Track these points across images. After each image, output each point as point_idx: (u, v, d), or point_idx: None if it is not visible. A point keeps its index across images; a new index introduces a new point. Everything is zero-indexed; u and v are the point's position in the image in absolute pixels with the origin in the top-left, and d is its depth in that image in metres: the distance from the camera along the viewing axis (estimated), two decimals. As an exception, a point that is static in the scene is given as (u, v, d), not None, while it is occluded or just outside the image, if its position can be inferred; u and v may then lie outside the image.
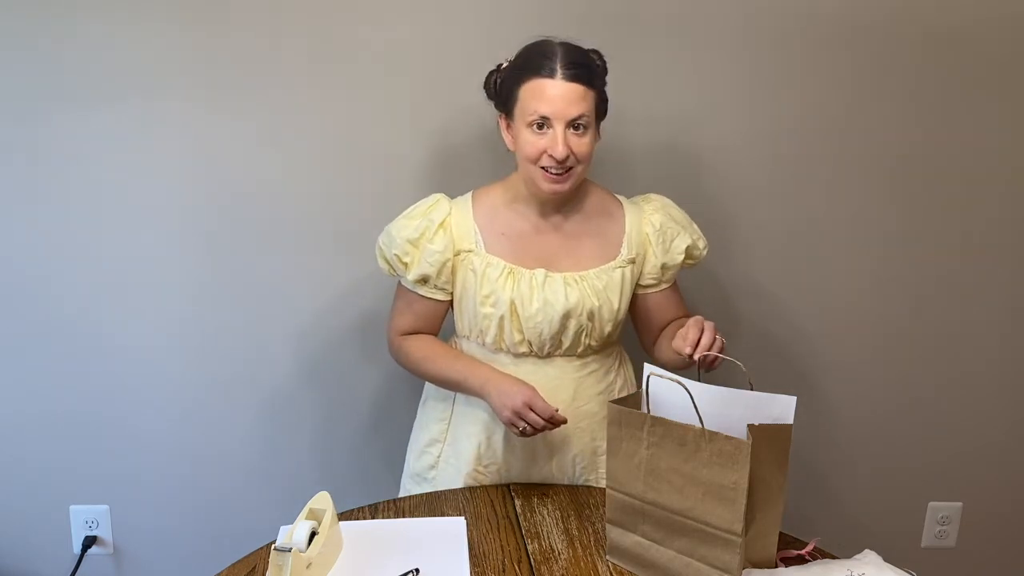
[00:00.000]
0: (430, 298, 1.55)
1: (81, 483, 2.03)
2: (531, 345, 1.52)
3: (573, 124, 1.40)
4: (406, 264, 1.52)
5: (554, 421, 1.44)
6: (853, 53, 1.90)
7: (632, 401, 1.31)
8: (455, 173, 1.87)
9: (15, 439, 2.00)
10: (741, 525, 1.19)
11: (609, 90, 1.49)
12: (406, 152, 1.89)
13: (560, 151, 1.39)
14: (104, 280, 1.92)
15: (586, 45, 1.47)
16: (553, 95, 1.39)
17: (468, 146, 1.88)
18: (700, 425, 1.20)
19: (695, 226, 1.62)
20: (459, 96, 1.83)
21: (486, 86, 1.52)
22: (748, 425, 1.18)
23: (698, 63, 1.89)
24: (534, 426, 1.44)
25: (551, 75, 1.39)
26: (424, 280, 1.52)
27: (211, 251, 1.92)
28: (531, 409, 1.43)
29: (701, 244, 1.62)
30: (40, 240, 1.90)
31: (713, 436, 1.19)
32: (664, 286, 1.61)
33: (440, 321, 1.60)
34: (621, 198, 1.60)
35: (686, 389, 1.21)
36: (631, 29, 1.84)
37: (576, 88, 1.39)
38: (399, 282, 1.59)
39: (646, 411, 1.27)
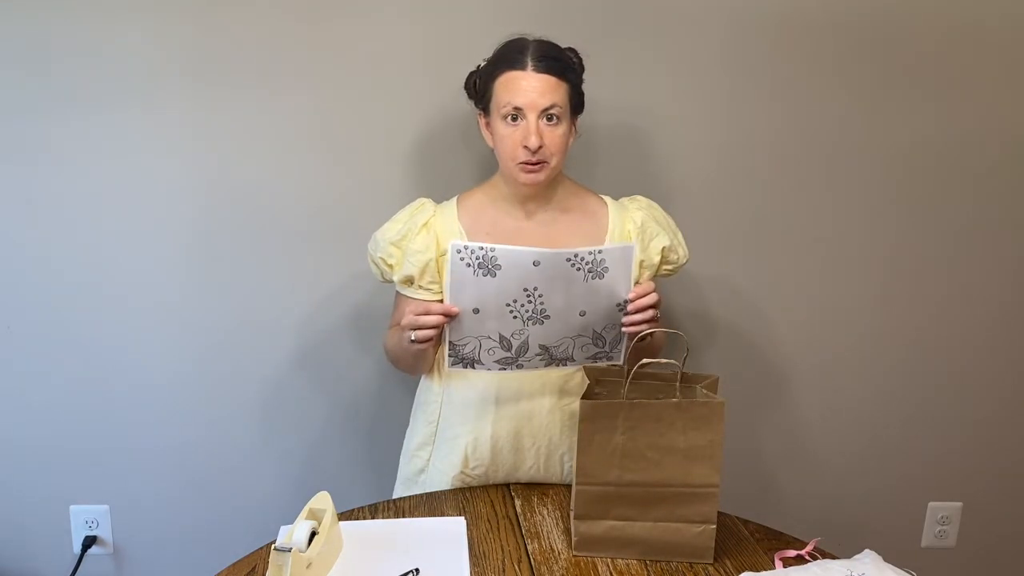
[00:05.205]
0: (417, 299, 1.54)
1: (81, 483, 2.03)
2: None
3: (546, 115, 1.42)
4: (391, 266, 1.54)
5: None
6: (841, 53, 1.90)
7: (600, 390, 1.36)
8: (448, 175, 1.87)
9: (16, 439, 2.00)
10: (719, 477, 1.26)
11: (586, 86, 1.50)
12: (400, 152, 1.89)
13: (533, 141, 1.41)
14: (102, 280, 1.92)
15: (563, 43, 1.48)
16: (525, 86, 1.42)
17: (462, 148, 1.88)
18: (676, 398, 1.29)
19: (679, 235, 1.60)
20: (454, 98, 1.82)
21: (466, 87, 1.54)
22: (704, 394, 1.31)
23: (679, 61, 1.88)
24: (427, 325, 1.39)
25: (523, 67, 1.42)
26: (409, 281, 1.53)
27: (211, 251, 1.92)
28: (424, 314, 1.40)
29: (681, 251, 1.59)
30: (39, 241, 1.89)
31: (689, 405, 1.26)
32: None
33: None
34: (606, 198, 1.59)
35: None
36: (617, 27, 1.85)
37: (548, 79, 1.42)
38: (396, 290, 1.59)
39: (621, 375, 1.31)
